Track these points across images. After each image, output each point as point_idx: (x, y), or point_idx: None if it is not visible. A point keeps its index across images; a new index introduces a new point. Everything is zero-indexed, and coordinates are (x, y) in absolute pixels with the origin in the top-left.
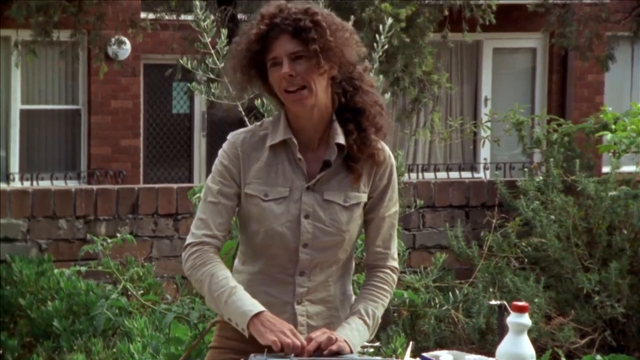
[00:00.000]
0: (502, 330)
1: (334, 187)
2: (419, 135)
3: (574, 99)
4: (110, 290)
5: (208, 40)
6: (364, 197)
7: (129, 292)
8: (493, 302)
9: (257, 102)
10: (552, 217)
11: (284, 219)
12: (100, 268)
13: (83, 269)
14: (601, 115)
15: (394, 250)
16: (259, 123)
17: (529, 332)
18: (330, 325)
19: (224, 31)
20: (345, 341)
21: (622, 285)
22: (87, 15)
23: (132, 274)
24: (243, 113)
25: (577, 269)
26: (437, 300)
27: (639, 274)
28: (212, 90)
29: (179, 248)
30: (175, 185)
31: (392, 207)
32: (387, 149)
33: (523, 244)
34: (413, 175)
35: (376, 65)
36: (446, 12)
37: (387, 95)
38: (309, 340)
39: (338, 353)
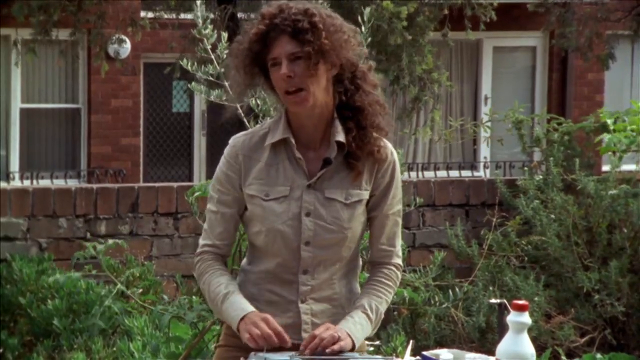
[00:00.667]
0: (502, 329)
1: (335, 184)
2: (419, 135)
3: (574, 97)
4: (108, 290)
5: (209, 46)
6: (365, 195)
7: (129, 292)
8: (493, 300)
9: (253, 102)
10: (552, 215)
11: (285, 217)
12: (94, 272)
13: (79, 274)
14: (600, 116)
15: (399, 247)
16: (260, 124)
17: (529, 330)
18: (336, 323)
19: (224, 34)
20: (349, 335)
21: (622, 283)
22: (87, 14)
23: (129, 275)
24: (243, 115)
25: (577, 268)
26: (437, 299)
27: (639, 273)
28: (212, 95)
29: (179, 247)
30: (175, 184)
31: (396, 205)
32: (389, 146)
33: (523, 242)
34: (413, 174)
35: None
36: (446, 11)
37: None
38: (313, 337)
39: (340, 351)
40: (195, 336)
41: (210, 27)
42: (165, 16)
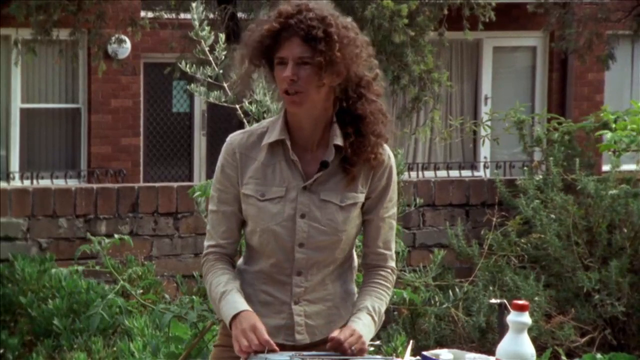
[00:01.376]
0: (502, 329)
1: (331, 187)
2: (419, 134)
3: (574, 97)
4: (108, 289)
5: (207, 48)
6: (361, 198)
7: (129, 291)
8: (493, 300)
9: (248, 106)
10: (552, 215)
11: (279, 219)
12: (98, 268)
13: (81, 268)
14: (601, 114)
15: (394, 251)
16: (259, 122)
17: (529, 330)
18: (332, 324)
19: (222, 35)
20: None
21: (622, 283)
22: (86, 14)
23: (131, 274)
24: (242, 116)
25: (577, 268)
26: (437, 299)
27: (639, 273)
28: (211, 97)
29: (179, 247)
30: (175, 184)
31: (392, 209)
32: (387, 150)
33: (523, 242)
34: (413, 174)
35: None
36: (446, 11)
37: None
38: (338, 342)
39: (362, 350)
40: (195, 336)
41: (207, 28)
42: (165, 16)
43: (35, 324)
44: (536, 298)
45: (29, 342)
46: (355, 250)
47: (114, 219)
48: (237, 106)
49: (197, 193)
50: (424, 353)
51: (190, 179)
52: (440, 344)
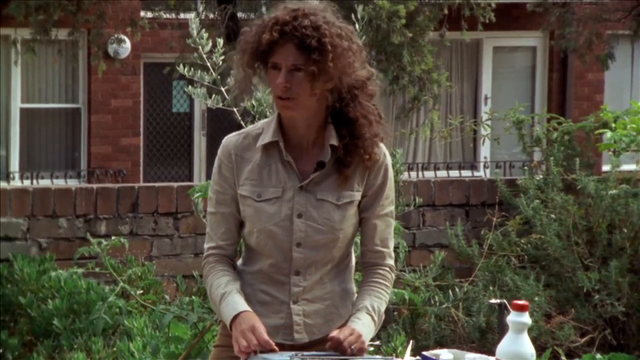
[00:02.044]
0: (502, 329)
1: (327, 186)
2: (417, 134)
3: (574, 97)
4: (109, 290)
5: (204, 55)
6: (357, 196)
7: (129, 292)
8: (493, 300)
9: (248, 104)
10: (552, 215)
11: (276, 219)
12: (97, 270)
13: (81, 270)
14: (601, 114)
15: (392, 249)
16: (254, 124)
17: (529, 330)
18: (331, 323)
19: (220, 40)
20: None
21: (622, 283)
22: (86, 14)
23: (131, 274)
24: (240, 119)
25: (577, 268)
26: (437, 299)
27: (639, 273)
28: (209, 101)
29: (179, 247)
30: (175, 184)
31: (389, 206)
32: (383, 148)
33: (523, 242)
34: (413, 174)
35: None
36: (446, 11)
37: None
38: (337, 342)
39: (362, 349)
40: (195, 336)
41: (205, 35)
42: (165, 16)
43: (35, 324)
44: (536, 298)
45: (29, 342)
46: (355, 251)
47: (114, 219)
48: (235, 109)
49: (198, 193)
50: (424, 353)
51: (190, 179)
52: (440, 344)
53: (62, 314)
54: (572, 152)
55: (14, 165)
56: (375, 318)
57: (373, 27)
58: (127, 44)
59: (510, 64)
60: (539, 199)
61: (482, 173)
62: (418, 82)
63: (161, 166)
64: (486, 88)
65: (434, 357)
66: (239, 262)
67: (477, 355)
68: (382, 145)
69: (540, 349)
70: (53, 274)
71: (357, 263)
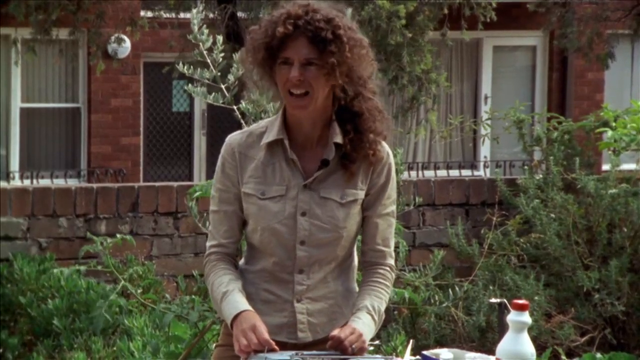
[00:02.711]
0: (503, 328)
1: (331, 184)
2: (415, 134)
3: (574, 96)
4: (110, 289)
5: (205, 51)
6: (361, 194)
7: (129, 291)
8: (493, 300)
9: (244, 107)
10: (552, 215)
11: (280, 217)
12: (99, 268)
13: (83, 268)
14: (602, 113)
15: (392, 248)
16: (257, 122)
17: (529, 330)
18: (334, 322)
19: (220, 38)
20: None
21: (622, 283)
22: (86, 13)
23: (132, 273)
24: (240, 117)
25: (577, 267)
26: (437, 298)
27: (639, 272)
28: (209, 98)
29: (179, 246)
30: (175, 184)
31: (390, 206)
32: (386, 147)
33: (523, 241)
34: (413, 173)
35: None
36: (446, 11)
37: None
38: (338, 340)
39: (362, 349)
40: (195, 335)
41: (205, 32)
42: (165, 15)
43: (35, 324)
44: (536, 297)
45: (29, 341)
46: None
47: (114, 218)
48: (235, 107)
49: (198, 193)
50: (424, 352)
51: (190, 178)
52: (440, 344)
53: (62, 313)
54: (572, 151)
55: (14, 164)
56: (376, 318)
57: (373, 27)
58: (127, 44)
59: (510, 63)
60: (539, 198)
61: (482, 172)
62: (417, 82)
63: (161, 166)
64: (486, 87)
65: (434, 357)
66: (241, 261)
67: (478, 355)
68: (385, 144)
69: (540, 348)
70: (55, 271)
71: (358, 262)
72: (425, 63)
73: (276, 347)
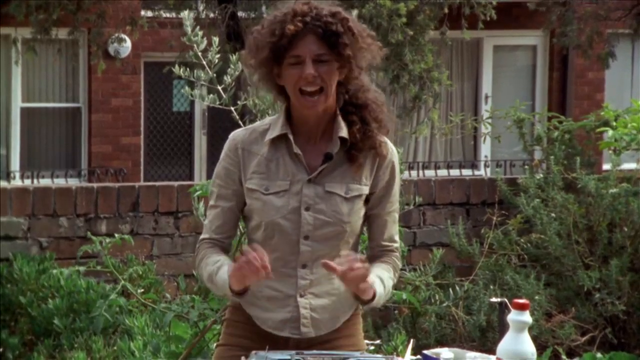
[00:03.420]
0: (503, 328)
1: (336, 178)
2: (418, 134)
3: (575, 96)
4: (110, 289)
5: (199, 52)
6: (365, 190)
7: (129, 291)
8: (494, 299)
9: (250, 103)
10: (553, 214)
11: (284, 211)
12: (99, 268)
13: (82, 268)
14: (602, 112)
15: (398, 241)
16: (260, 120)
17: (530, 329)
18: (337, 319)
19: (215, 39)
20: (372, 287)
21: (622, 282)
22: (86, 13)
23: (132, 273)
24: (238, 118)
25: (578, 267)
26: (437, 298)
27: None
28: (207, 99)
29: (180, 246)
30: (175, 183)
31: (395, 203)
32: (390, 144)
33: (523, 241)
34: (414, 173)
35: None
36: (446, 10)
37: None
38: (350, 268)
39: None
40: (195, 335)
41: (200, 33)
42: (165, 15)
43: (35, 324)
44: (537, 297)
45: (29, 341)
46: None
47: (115, 218)
48: (233, 108)
49: (198, 192)
50: (425, 352)
51: (191, 178)
52: (441, 343)
53: (62, 313)
54: (572, 150)
55: (15, 164)
56: (388, 287)
57: (373, 25)
58: (128, 43)
59: (510, 62)
60: (539, 197)
61: (483, 172)
62: (419, 81)
63: (162, 165)
64: (487, 87)
65: (434, 356)
66: None
67: (478, 354)
68: (389, 142)
69: (540, 347)
70: (54, 271)
71: None
72: (426, 62)
73: (268, 269)
